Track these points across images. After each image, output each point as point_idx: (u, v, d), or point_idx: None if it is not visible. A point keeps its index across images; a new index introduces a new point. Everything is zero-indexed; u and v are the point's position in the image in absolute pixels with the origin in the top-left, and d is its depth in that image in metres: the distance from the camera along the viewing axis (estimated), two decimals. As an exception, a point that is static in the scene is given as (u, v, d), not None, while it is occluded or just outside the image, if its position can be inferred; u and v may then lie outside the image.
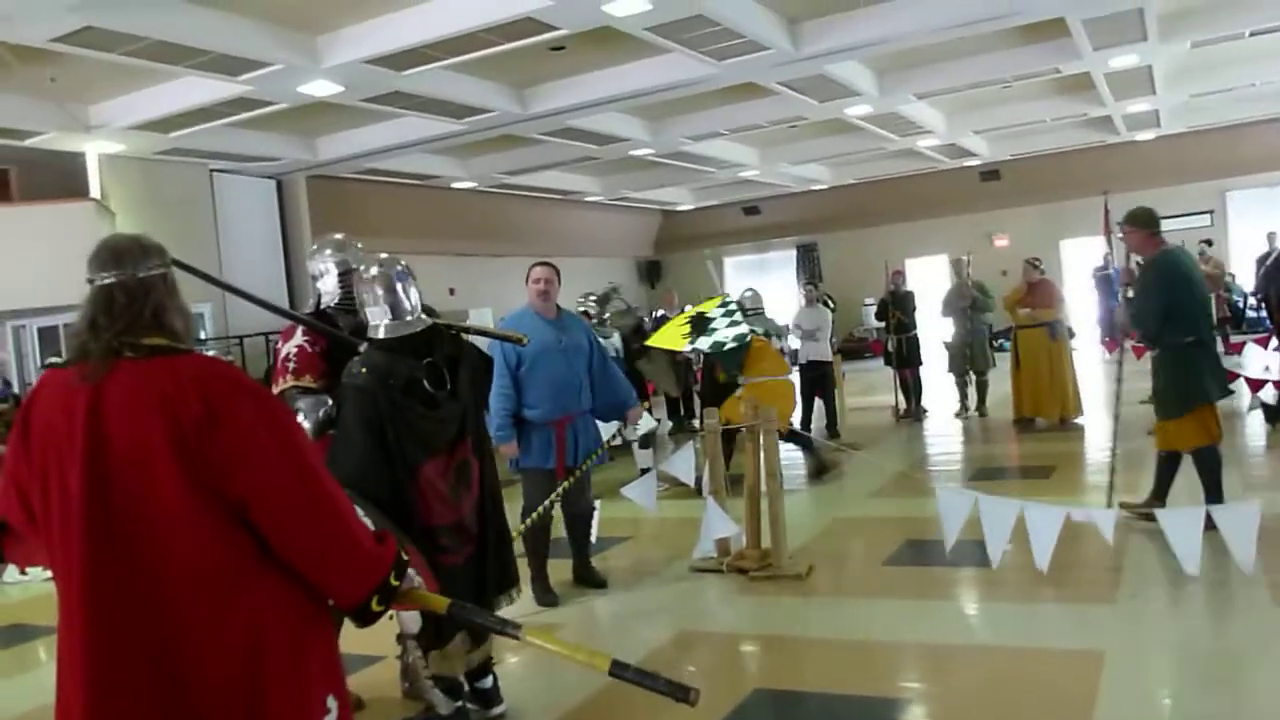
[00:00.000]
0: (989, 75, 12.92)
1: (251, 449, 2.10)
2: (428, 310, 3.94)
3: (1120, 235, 6.14)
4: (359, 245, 4.21)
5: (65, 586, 2.14)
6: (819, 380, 11.38)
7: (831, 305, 13.57)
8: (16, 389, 10.91)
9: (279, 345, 3.94)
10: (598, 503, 6.18)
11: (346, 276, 4.10)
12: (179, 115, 10.74)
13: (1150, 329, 5.86)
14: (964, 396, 11.88)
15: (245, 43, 8.78)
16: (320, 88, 10.09)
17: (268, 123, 11.86)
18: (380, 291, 3.75)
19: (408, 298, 3.78)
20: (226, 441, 2.08)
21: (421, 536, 3.53)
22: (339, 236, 4.31)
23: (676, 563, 6.36)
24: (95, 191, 11.79)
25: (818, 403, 11.39)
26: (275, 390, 3.95)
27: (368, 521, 2.77)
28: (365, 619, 2.29)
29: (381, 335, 3.75)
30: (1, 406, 9.57)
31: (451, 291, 19.69)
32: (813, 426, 11.31)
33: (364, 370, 3.61)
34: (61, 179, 11.59)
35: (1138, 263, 6.48)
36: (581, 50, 10.21)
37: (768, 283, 25.12)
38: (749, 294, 10.22)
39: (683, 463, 6.60)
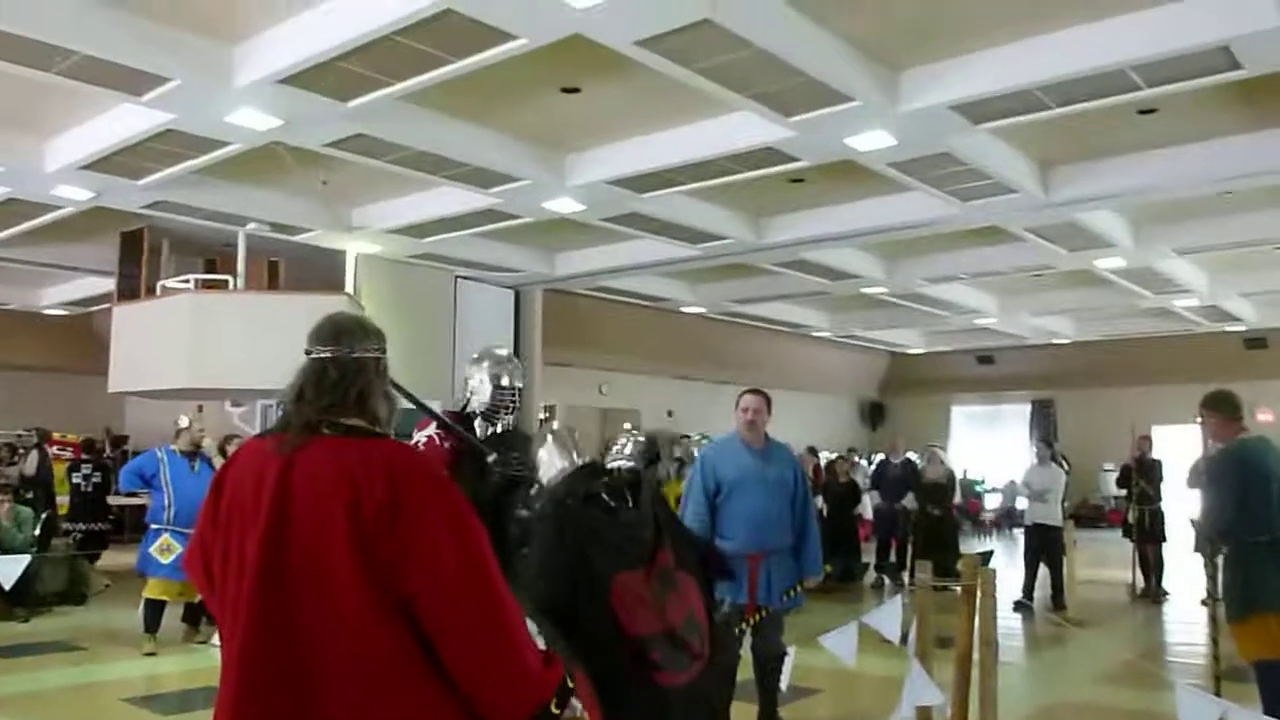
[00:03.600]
0: (1260, 234, 11.95)
1: (429, 544, 2.01)
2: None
3: (1198, 419, 5.51)
4: (516, 364, 4.56)
5: (227, 653, 2.09)
6: (1046, 545, 10.59)
7: (1066, 467, 12.71)
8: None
9: (414, 432, 4.13)
10: (791, 649, 5.82)
11: (499, 389, 4.40)
12: (432, 222, 11.37)
13: (1224, 523, 5.23)
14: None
15: (500, 157, 9.22)
16: (564, 204, 10.45)
17: (511, 235, 12.39)
18: (558, 449, 3.82)
19: (579, 455, 3.84)
20: (405, 532, 2.00)
21: (628, 650, 3.31)
22: (502, 352, 4.63)
23: (871, 725, 5.88)
24: (349, 287, 12.59)
25: (1043, 570, 10.56)
26: None
27: (540, 641, 2.63)
28: None
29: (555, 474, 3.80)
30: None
31: (669, 413, 19.81)
32: (1035, 595, 10.47)
33: (543, 501, 3.59)
34: (321, 273, 12.45)
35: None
36: (821, 182, 10.17)
37: (998, 437, 24.05)
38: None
39: (888, 616, 6.14)
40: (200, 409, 10.94)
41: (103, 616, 9.64)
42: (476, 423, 4.31)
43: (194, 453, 8.39)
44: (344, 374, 2.19)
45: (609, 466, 3.84)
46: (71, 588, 10.27)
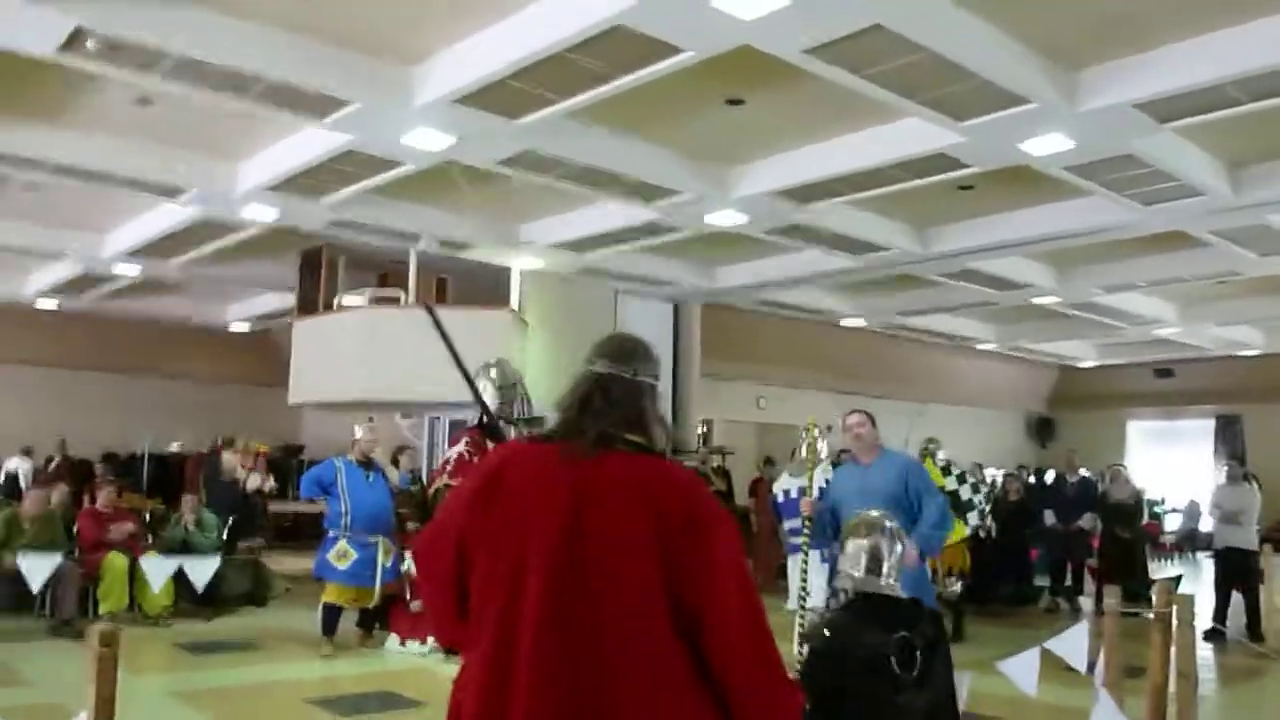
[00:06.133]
0: None
1: (718, 568, 2.12)
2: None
3: None
4: (503, 362, 5.96)
5: (502, 645, 2.13)
6: (1239, 571, 9.93)
7: (1258, 486, 11.91)
8: (423, 475, 11.91)
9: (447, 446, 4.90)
10: (967, 674, 5.58)
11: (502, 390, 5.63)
12: (594, 237, 11.49)
13: None
14: None
15: (663, 172, 9.23)
16: (725, 217, 10.40)
17: (671, 249, 12.41)
18: (867, 553, 3.53)
19: (888, 559, 3.52)
20: (700, 554, 2.11)
21: None
22: (489, 359, 5.84)
23: (1056, 757, 5.59)
24: (514, 302, 12.84)
25: (1236, 597, 9.90)
26: (430, 488, 4.87)
27: None
28: None
29: (850, 589, 3.50)
30: (413, 489, 10.41)
31: (829, 428, 19.47)
32: (1229, 624, 9.82)
33: (826, 633, 3.34)
34: (486, 288, 12.75)
35: None
36: (990, 189, 9.82)
37: (1178, 455, 22.73)
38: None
39: (1074, 642, 5.82)
40: (371, 420, 11.32)
41: (282, 619, 10.06)
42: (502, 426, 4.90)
43: (368, 462, 8.64)
44: (628, 393, 2.29)
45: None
46: (255, 590, 10.76)
